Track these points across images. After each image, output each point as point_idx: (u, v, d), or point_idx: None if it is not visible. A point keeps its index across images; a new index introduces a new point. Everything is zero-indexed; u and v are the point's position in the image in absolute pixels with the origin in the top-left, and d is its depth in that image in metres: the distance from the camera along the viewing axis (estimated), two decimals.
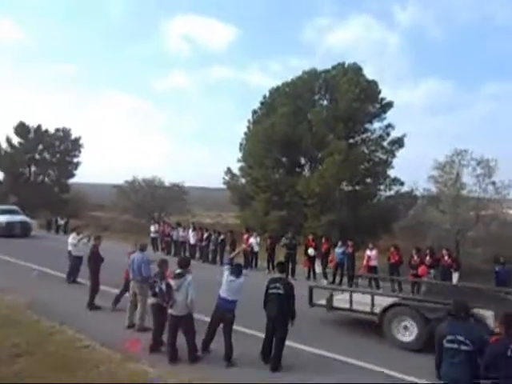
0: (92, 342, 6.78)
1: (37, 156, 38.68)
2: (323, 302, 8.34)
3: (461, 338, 4.16)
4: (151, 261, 8.00)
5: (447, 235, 18.06)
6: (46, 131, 38.97)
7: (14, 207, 25.22)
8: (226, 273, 6.46)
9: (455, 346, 4.18)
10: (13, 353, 6.15)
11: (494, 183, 17.74)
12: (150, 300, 6.72)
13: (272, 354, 6.15)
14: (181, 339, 6.30)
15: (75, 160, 39.80)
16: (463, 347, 4.13)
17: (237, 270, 6.47)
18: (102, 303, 9.01)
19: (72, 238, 11.61)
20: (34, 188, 36.83)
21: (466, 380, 4.11)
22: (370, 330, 7.81)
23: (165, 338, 6.56)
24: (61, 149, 39.32)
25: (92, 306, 8.92)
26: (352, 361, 6.49)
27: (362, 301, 8.11)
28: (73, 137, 39.63)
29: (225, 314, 6.24)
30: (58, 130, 39.41)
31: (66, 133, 39.49)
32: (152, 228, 19.86)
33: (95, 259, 9.26)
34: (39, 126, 38.64)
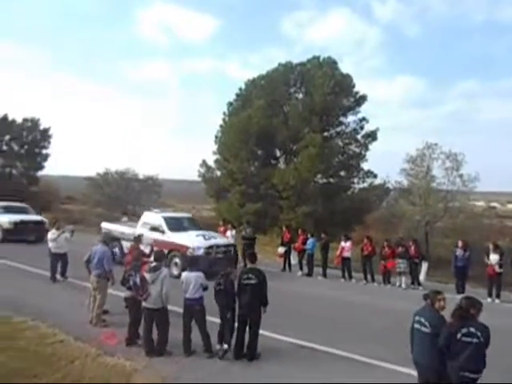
0: (66, 336, 6.67)
1: (4, 147, 37.20)
2: None
3: (422, 320, 4.41)
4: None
5: (418, 226, 18.66)
6: (14, 121, 37.50)
7: (23, 204, 20.00)
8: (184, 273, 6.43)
9: (418, 326, 4.45)
10: None
11: (461, 176, 18.46)
12: (125, 293, 6.68)
13: (248, 343, 6.20)
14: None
15: (44, 151, 38.45)
16: (423, 329, 4.38)
17: (190, 264, 6.48)
18: (74, 296, 8.81)
19: (51, 234, 10.81)
20: (0, 181, 35.44)
21: (425, 361, 4.34)
22: (346, 319, 7.98)
23: (141, 331, 6.53)
24: (29, 140, 37.92)
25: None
26: (330, 350, 6.60)
27: None
28: (41, 127, 38.32)
29: (193, 308, 6.24)
30: (25, 119, 37.96)
31: (34, 123, 38.05)
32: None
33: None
34: (5, 116, 37.12)
